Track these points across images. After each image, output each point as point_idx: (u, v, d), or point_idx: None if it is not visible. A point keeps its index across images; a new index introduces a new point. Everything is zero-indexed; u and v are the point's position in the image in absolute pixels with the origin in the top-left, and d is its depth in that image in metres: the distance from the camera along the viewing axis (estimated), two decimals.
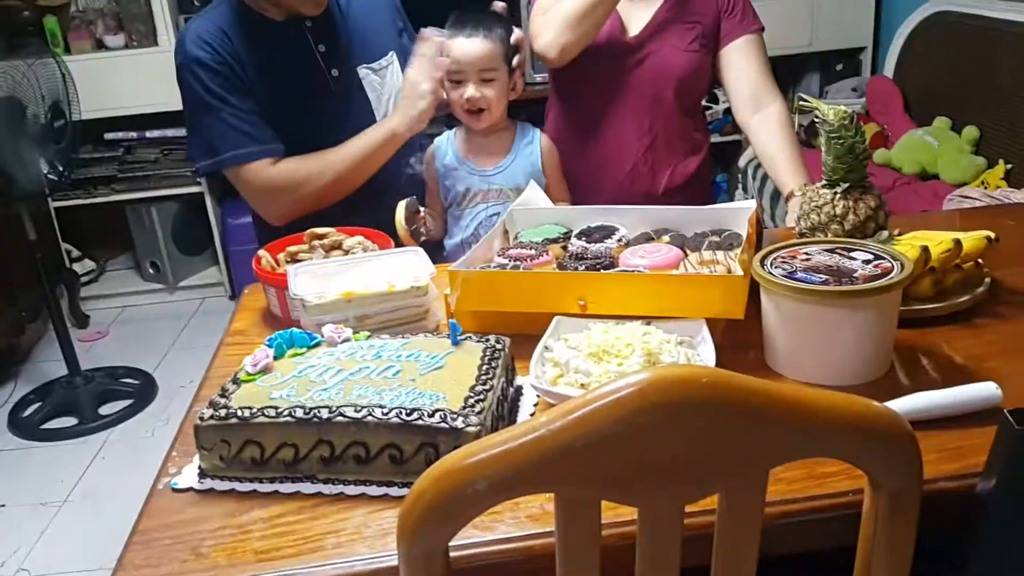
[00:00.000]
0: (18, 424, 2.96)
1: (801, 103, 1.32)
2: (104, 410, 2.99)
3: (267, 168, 1.63)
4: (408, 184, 1.76)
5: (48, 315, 3.08)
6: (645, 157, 1.77)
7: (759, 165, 3.33)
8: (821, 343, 1.02)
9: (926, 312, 1.15)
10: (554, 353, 1.07)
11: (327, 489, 0.93)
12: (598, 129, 1.78)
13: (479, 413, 0.91)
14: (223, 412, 0.94)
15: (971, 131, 2.93)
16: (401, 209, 1.55)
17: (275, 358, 1.05)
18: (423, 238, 1.59)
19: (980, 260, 1.24)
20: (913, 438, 0.62)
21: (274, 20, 1.65)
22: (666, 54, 1.72)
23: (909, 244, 1.16)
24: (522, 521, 0.85)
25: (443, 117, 1.76)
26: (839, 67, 3.88)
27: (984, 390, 0.94)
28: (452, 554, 0.67)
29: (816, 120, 1.24)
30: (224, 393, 0.99)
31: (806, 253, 1.08)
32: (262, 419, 0.93)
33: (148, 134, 3.68)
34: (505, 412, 1.01)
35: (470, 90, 1.62)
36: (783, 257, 1.08)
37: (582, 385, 1.01)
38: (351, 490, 0.92)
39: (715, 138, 3.48)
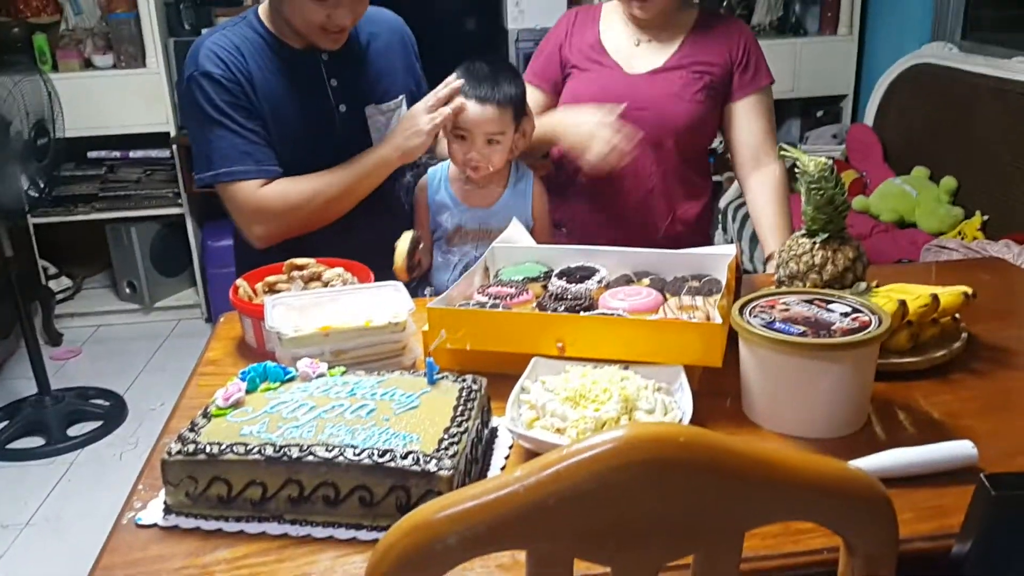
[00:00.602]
0: None
1: (783, 152, 1.33)
2: (73, 431, 2.94)
3: (258, 189, 1.61)
4: (398, 206, 1.76)
5: (21, 332, 3.03)
6: (644, 203, 1.77)
7: (739, 207, 3.36)
8: (798, 395, 1.02)
9: (903, 366, 1.15)
10: (531, 395, 1.06)
11: (294, 531, 0.91)
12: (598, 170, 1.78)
13: (452, 456, 0.89)
14: (191, 447, 0.92)
15: (949, 181, 2.97)
16: (405, 242, 1.54)
17: (248, 392, 1.04)
18: (417, 275, 1.58)
19: (957, 315, 1.25)
20: (890, 504, 0.62)
21: (292, 47, 1.65)
22: (669, 103, 1.72)
23: (887, 297, 1.17)
24: (492, 571, 0.83)
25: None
26: (820, 114, 3.94)
27: (960, 449, 0.94)
28: None
29: (796, 170, 1.25)
30: (193, 427, 0.97)
31: (784, 303, 1.09)
32: (231, 456, 0.91)
33: (132, 154, 3.66)
34: (479, 455, 1.00)
35: (473, 153, 1.61)
36: (762, 306, 1.08)
37: (558, 429, 1.00)
38: (319, 532, 0.90)
39: None
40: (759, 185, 1.75)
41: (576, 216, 1.81)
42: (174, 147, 3.54)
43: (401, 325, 1.23)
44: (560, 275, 1.38)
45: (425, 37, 1.92)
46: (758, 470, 0.57)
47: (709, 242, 1.90)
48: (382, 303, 1.29)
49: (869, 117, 3.59)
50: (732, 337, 1.08)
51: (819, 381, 1.00)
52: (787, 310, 1.06)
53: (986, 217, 2.79)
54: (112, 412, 3.05)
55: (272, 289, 1.43)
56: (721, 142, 1.94)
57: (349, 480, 0.89)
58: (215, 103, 1.58)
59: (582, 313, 1.21)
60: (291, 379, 1.08)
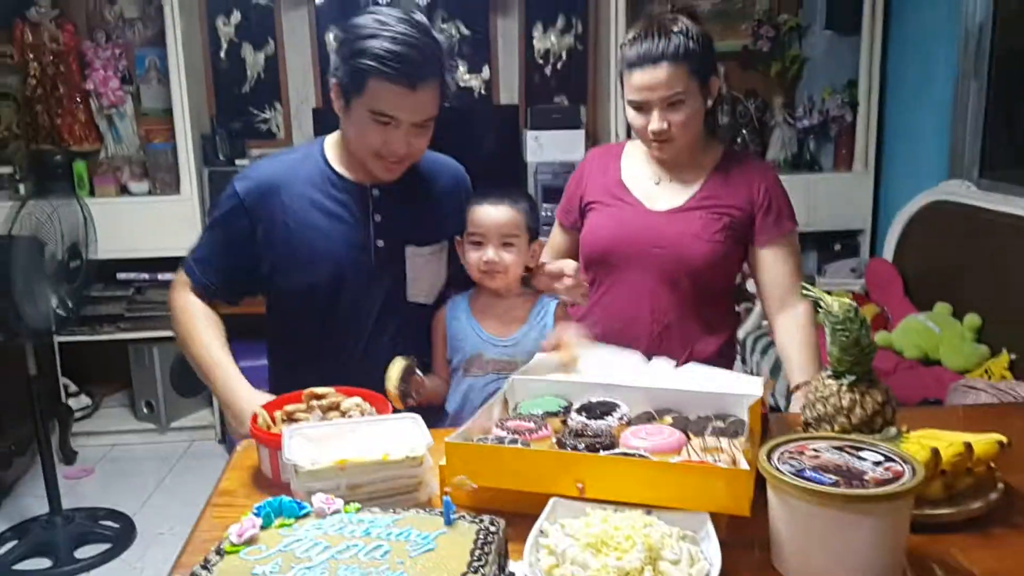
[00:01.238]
0: None
1: (805, 291, 1.32)
2: (80, 553, 2.89)
3: (185, 287, 1.75)
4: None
5: (36, 449, 3.02)
6: (660, 338, 1.76)
7: (758, 338, 3.35)
8: (830, 547, 0.98)
9: (938, 518, 1.11)
10: (550, 540, 1.03)
11: None
12: (614, 304, 1.78)
13: None
14: None
15: (973, 319, 2.95)
16: (396, 368, 1.53)
17: (262, 527, 1.01)
18: (411, 402, 1.54)
19: (992, 464, 1.21)
20: None
21: (346, 178, 1.70)
22: (685, 243, 1.72)
23: (918, 443, 1.14)
24: None
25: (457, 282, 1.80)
26: (837, 247, 3.97)
27: None
28: None
29: (820, 309, 1.25)
30: (206, 565, 0.94)
31: (814, 449, 1.06)
32: None
33: (160, 276, 3.73)
34: None
35: (489, 252, 1.66)
36: (791, 452, 1.06)
37: None
38: None
39: None
40: (786, 325, 1.76)
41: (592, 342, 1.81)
42: (186, 255, 3.61)
43: (419, 460, 1.21)
44: (580, 410, 1.36)
45: None
46: None
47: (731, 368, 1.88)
48: (400, 435, 1.27)
49: (888, 251, 3.61)
50: (759, 481, 1.05)
51: (852, 534, 0.96)
52: (817, 456, 1.04)
53: (1013, 356, 2.75)
54: (121, 535, 3.01)
55: (291, 418, 1.42)
56: (743, 279, 1.95)
57: None
58: (223, 213, 1.72)
59: (602, 452, 1.19)
60: (306, 515, 1.05)
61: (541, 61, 4.06)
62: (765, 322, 3.14)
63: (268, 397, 1.55)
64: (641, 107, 1.69)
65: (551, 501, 1.11)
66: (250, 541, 0.99)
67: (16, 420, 3.26)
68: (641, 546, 0.96)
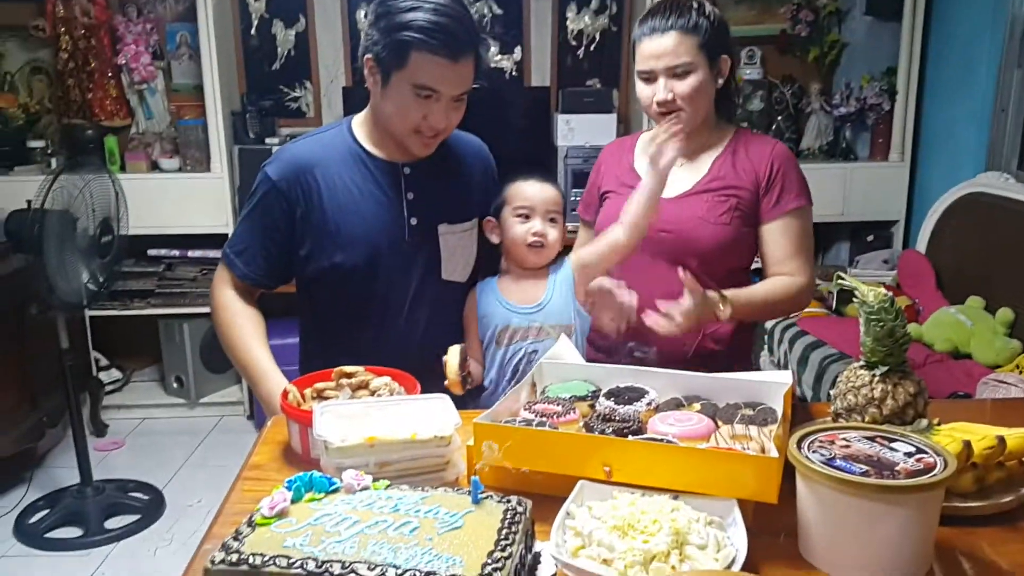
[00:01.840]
0: (24, 531, 2.92)
1: (840, 281, 1.31)
2: (110, 523, 2.95)
3: (226, 283, 1.77)
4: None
5: (68, 421, 3.07)
6: None
7: (786, 328, 3.33)
8: (859, 537, 0.97)
9: (968, 511, 1.11)
10: (576, 521, 1.04)
11: None
12: (630, 287, 1.79)
13: None
14: (235, 557, 0.91)
15: (1005, 313, 2.91)
16: (455, 356, 1.56)
17: (293, 501, 1.03)
18: (468, 386, 1.60)
19: None
20: None
21: (377, 157, 1.71)
22: (692, 227, 1.72)
23: (950, 436, 1.13)
24: None
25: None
26: (870, 238, 3.92)
27: None
28: None
29: (855, 300, 1.24)
30: (238, 536, 0.96)
31: (845, 439, 1.05)
32: (273, 568, 0.90)
33: (190, 253, 3.78)
34: None
35: (538, 224, 1.72)
36: (821, 441, 1.05)
37: (604, 560, 0.97)
38: None
39: None
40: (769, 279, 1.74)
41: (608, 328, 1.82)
42: (224, 247, 3.65)
43: (447, 439, 1.22)
44: (608, 395, 1.36)
45: None
46: None
47: (749, 362, 1.88)
48: (428, 415, 1.28)
49: (921, 244, 3.57)
50: (787, 471, 1.05)
51: (882, 524, 0.96)
52: (848, 446, 1.03)
53: None
54: (150, 506, 3.05)
55: (321, 395, 1.44)
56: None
57: None
58: (258, 200, 1.71)
59: (630, 437, 1.19)
60: (336, 490, 1.07)
61: (574, 43, 4.03)
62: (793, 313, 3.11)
63: None
64: (648, 77, 1.71)
65: (579, 484, 1.11)
66: (281, 514, 1.00)
67: (48, 392, 3.32)
68: (668, 530, 0.96)
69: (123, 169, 3.72)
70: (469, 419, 1.23)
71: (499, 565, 0.90)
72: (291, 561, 0.90)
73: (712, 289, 1.62)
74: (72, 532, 2.91)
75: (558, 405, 1.31)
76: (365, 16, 3.76)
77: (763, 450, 1.11)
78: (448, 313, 1.76)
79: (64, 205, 2.76)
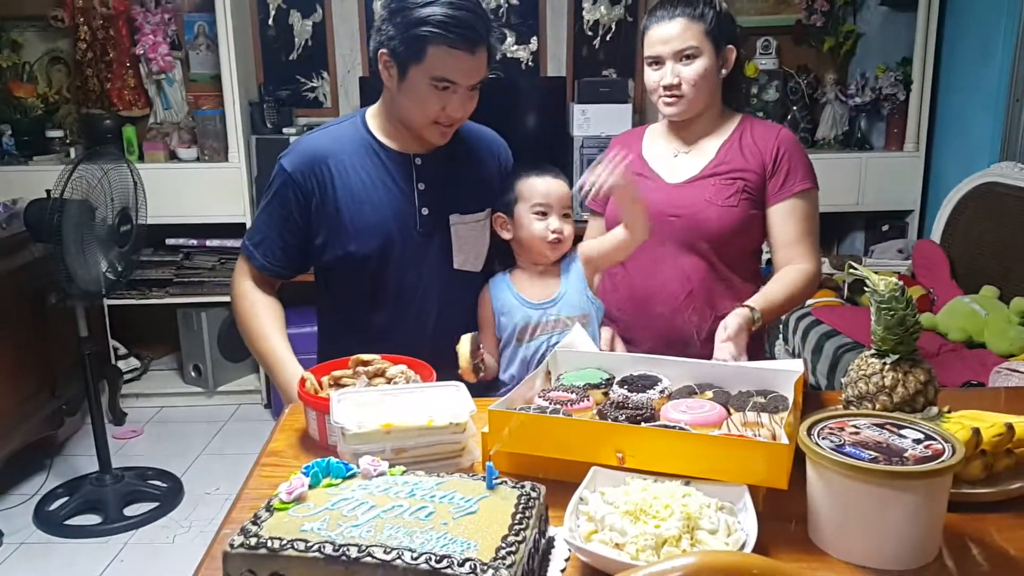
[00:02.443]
0: (43, 518, 2.96)
1: (851, 270, 1.32)
2: (129, 511, 2.99)
3: (245, 274, 1.79)
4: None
5: (87, 410, 3.11)
6: (684, 305, 1.78)
7: (801, 317, 3.33)
8: (868, 523, 0.98)
9: (976, 496, 1.11)
10: (589, 507, 1.05)
11: None
12: (639, 274, 1.82)
13: (510, 567, 0.88)
14: (253, 541, 0.93)
15: (1020, 302, 2.90)
16: (466, 344, 1.58)
17: (310, 487, 1.05)
18: (481, 374, 1.61)
19: None
20: None
21: (390, 148, 1.73)
22: (700, 208, 1.75)
23: (959, 423, 1.14)
24: None
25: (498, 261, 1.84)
26: (885, 228, 3.92)
27: None
28: None
29: (866, 288, 1.24)
30: (256, 520, 0.98)
31: (855, 426, 1.06)
32: (291, 552, 0.92)
33: (208, 242, 3.81)
34: (536, 565, 0.99)
35: (556, 222, 1.73)
36: (831, 428, 1.06)
37: (617, 544, 0.98)
38: None
39: None
40: (781, 272, 1.76)
41: (623, 307, 1.85)
42: (243, 238, 3.68)
43: (462, 426, 1.24)
44: (622, 383, 1.38)
45: None
46: None
47: (762, 347, 1.89)
48: (443, 403, 1.30)
49: (936, 233, 3.56)
50: (797, 458, 1.06)
51: (890, 510, 0.97)
52: (857, 433, 1.04)
53: None
54: (168, 494, 3.09)
55: (337, 383, 1.46)
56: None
57: None
58: (275, 192, 1.73)
59: (643, 424, 1.20)
60: (352, 476, 1.09)
61: (590, 33, 4.03)
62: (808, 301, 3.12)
63: None
64: (655, 62, 1.76)
65: (592, 470, 1.12)
66: (299, 499, 1.02)
67: (67, 381, 3.37)
68: (679, 515, 0.98)
69: (141, 159, 3.75)
70: (484, 406, 1.25)
71: (513, 549, 0.91)
72: (309, 545, 0.92)
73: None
74: (91, 519, 2.96)
75: (572, 393, 1.32)
76: (381, 8, 3.78)
77: (774, 437, 1.13)
78: (461, 302, 1.78)
79: (83, 194, 2.79)
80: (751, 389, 1.32)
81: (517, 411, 1.25)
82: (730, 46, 1.77)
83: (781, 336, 3.48)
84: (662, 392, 1.33)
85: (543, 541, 1.03)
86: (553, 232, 1.72)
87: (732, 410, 1.25)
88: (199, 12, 3.87)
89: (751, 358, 1.55)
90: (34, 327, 3.24)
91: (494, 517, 0.98)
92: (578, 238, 2.08)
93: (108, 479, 3.05)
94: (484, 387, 1.70)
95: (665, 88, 1.75)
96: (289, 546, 0.92)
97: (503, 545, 0.92)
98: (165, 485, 3.15)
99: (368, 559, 0.90)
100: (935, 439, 1.03)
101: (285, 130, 3.75)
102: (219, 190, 3.69)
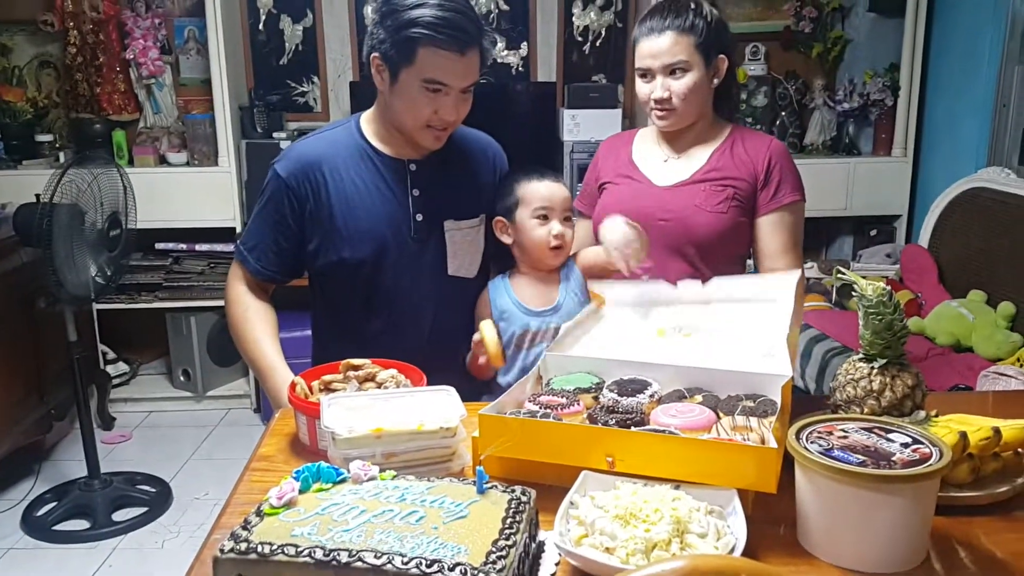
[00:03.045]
0: (31, 523, 2.94)
1: (839, 275, 1.33)
2: (118, 516, 2.97)
3: (239, 278, 1.79)
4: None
5: (76, 414, 3.10)
6: None
7: None
8: (856, 526, 0.99)
9: (964, 500, 1.12)
10: (580, 511, 1.06)
11: None
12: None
13: (500, 571, 0.88)
14: (244, 546, 0.93)
15: (1007, 307, 2.92)
16: (492, 329, 1.58)
17: (301, 491, 1.05)
18: (505, 361, 1.62)
19: (1020, 450, 1.21)
20: None
21: (384, 154, 1.73)
22: (689, 214, 1.77)
23: (947, 427, 1.14)
24: None
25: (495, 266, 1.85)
26: (873, 232, 3.94)
27: None
28: None
29: (854, 293, 1.25)
30: (246, 525, 0.98)
31: (843, 430, 1.07)
32: (281, 557, 0.92)
33: (197, 247, 3.80)
34: (526, 570, 0.99)
35: (558, 226, 1.73)
36: (819, 432, 1.07)
37: (607, 548, 0.99)
38: None
39: None
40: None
41: None
42: (237, 243, 3.67)
43: (452, 431, 1.24)
44: (611, 387, 1.38)
45: None
46: None
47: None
48: (434, 407, 1.30)
49: (924, 238, 3.58)
50: (786, 462, 1.07)
51: (878, 513, 0.98)
52: (845, 437, 1.05)
53: None
54: (157, 499, 3.08)
55: (328, 388, 1.46)
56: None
57: None
58: (268, 197, 1.73)
59: (633, 428, 1.21)
60: (343, 481, 1.08)
61: (580, 38, 4.05)
62: None
63: None
64: (646, 74, 1.77)
65: (582, 474, 1.13)
66: (289, 504, 1.02)
67: (56, 385, 3.35)
68: (669, 519, 0.98)
69: (131, 163, 3.74)
70: (474, 411, 1.25)
71: (503, 553, 0.92)
72: (299, 550, 0.92)
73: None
74: (79, 524, 2.94)
75: (562, 397, 1.33)
76: (372, 12, 3.79)
77: (763, 441, 1.13)
78: (455, 308, 1.78)
79: (73, 199, 2.78)
80: (740, 393, 1.33)
81: (507, 415, 1.25)
82: (721, 56, 1.77)
83: None
84: (652, 396, 1.34)
85: (533, 545, 1.03)
86: (555, 236, 1.72)
87: (721, 414, 1.25)
88: (189, 17, 3.87)
89: None
90: (23, 332, 3.22)
91: (484, 521, 0.98)
92: None
93: (97, 484, 3.03)
94: (476, 391, 1.70)
95: (656, 101, 1.76)
96: (279, 551, 0.92)
97: (493, 549, 0.92)
98: (154, 490, 3.13)
99: (359, 564, 0.90)
100: (923, 443, 1.04)
101: (275, 135, 3.75)
102: (209, 194, 3.68)
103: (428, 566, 0.89)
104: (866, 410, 1.22)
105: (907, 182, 3.85)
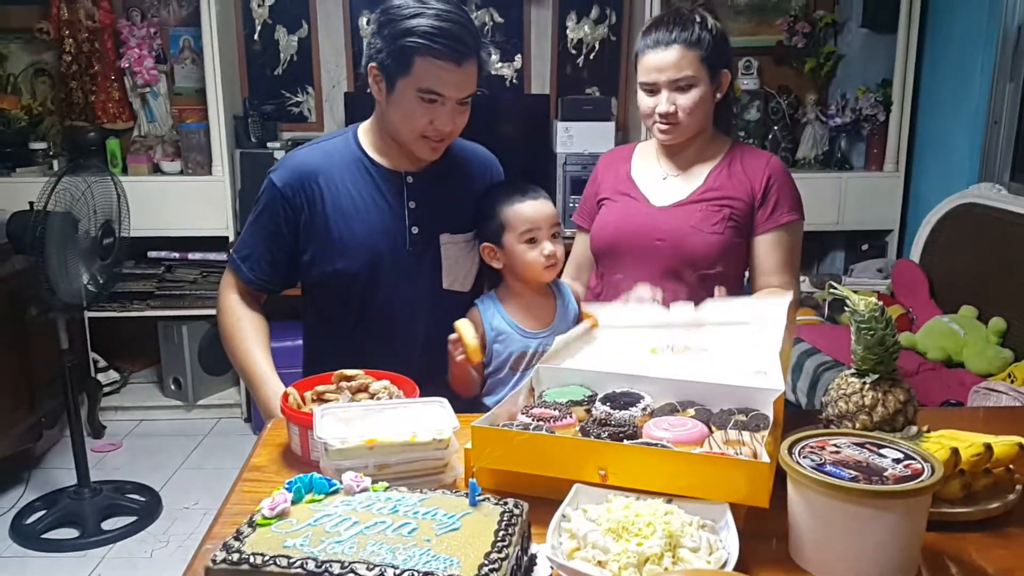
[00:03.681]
0: (20, 531, 2.92)
1: (832, 290, 1.34)
2: (107, 524, 2.96)
3: (232, 287, 1.79)
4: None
5: (66, 422, 3.09)
6: None
7: None
8: (848, 541, 0.99)
9: (955, 516, 1.13)
10: (572, 524, 1.06)
11: None
12: (620, 296, 1.81)
13: None
14: (236, 556, 0.93)
15: (998, 322, 2.93)
16: (467, 325, 1.58)
17: (293, 502, 1.05)
18: (484, 356, 1.62)
19: (1011, 466, 1.22)
20: None
21: (381, 165, 1.73)
22: (685, 235, 1.75)
23: (938, 443, 1.15)
24: None
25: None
26: (864, 247, 3.95)
27: None
28: None
29: (846, 308, 1.26)
30: (239, 535, 0.98)
31: (835, 445, 1.08)
32: (273, 568, 0.91)
33: (190, 255, 3.79)
34: None
35: (548, 246, 1.70)
36: (812, 447, 1.07)
37: (599, 562, 0.99)
38: None
39: None
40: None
41: None
42: (231, 251, 3.67)
43: (445, 442, 1.24)
44: (604, 400, 1.38)
45: None
46: None
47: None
48: (427, 418, 1.30)
49: (915, 253, 3.60)
50: (778, 477, 1.07)
51: (870, 528, 0.98)
52: (838, 452, 1.05)
53: None
54: (147, 508, 3.06)
55: (320, 398, 1.46)
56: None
57: None
58: (264, 206, 1.73)
59: (626, 441, 1.21)
60: (335, 492, 1.08)
61: (574, 51, 4.07)
62: None
63: None
64: (651, 89, 1.75)
65: (574, 487, 1.13)
66: (281, 515, 1.02)
67: (47, 393, 3.33)
68: (661, 533, 0.98)
69: (125, 172, 3.73)
70: (467, 423, 1.25)
71: (496, 566, 0.92)
72: (291, 561, 0.92)
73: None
74: (69, 533, 2.92)
75: (555, 409, 1.33)
76: (367, 23, 3.80)
77: (755, 455, 1.13)
78: (450, 321, 1.75)
79: (66, 207, 2.78)
80: (732, 407, 1.33)
81: (500, 427, 1.25)
82: (725, 70, 1.77)
83: None
84: (644, 410, 1.34)
85: (525, 558, 1.03)
86: (547, 256, 1.69)
87: (714, 428, 1.26)
88: (185, 26, 3.87)
89: None
90: (14, 339, 3.21)
91: (477, 534, 0.98)
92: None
93: (86, 492, 3.01)
94: (469, 403, 1.70)
95: (661, 115, 1.74)
96: (271, 562, 0.92)
97: (486, 562, 0.92)
98: (143, 499, 3.12)
99: (351, 575, 0.90)
100: (914, 458, 1.04)
101: (269, 144, 3.75)
102: (202, 203, 3.68)
103: None
104: (858, 425, 1.22)
105: (899, 197, 3.86)
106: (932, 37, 3.72)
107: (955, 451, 1.12)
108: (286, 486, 1.06)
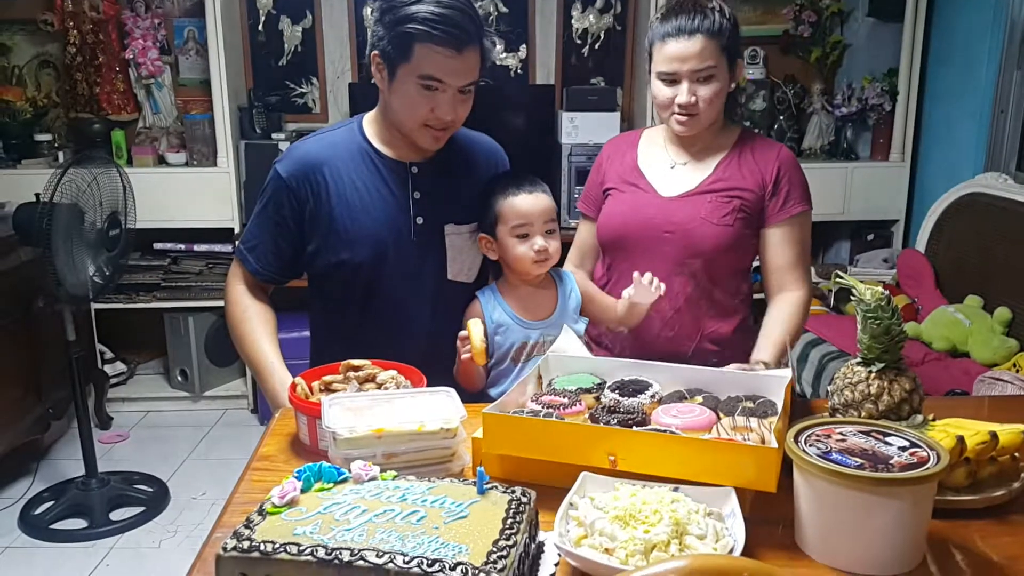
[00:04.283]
0: (29, 522, 2.94)
1: (839, 280, 1.34)
2: (115, 515, 2.98)
3: (239, 278, 1.79)
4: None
5: (73, 414, 3.10)
6: (673, 321, 1.79)
7: None
8: (853, 529, 1.00)
9: (960, 503, 1.13)
10: (579, 512, 1.06)
11: None
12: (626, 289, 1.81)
13: (501, 571, 0.89)
14: (246, 544, 0.94)
15: (1003, 312, 2.93)
16: (478, 326, 1.58)
17: (302, 491, 1.05)
18: (490, 359, 1.61)
19: (1016, 454, 1.22)
20: None
21: (386, 156, 1.72)
22: (696, 227, 1.74)
23: (944, 431, 1.15)
24: None
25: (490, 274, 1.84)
26: (870, 237, 3.95)
27: None
28: None
29: (852, 297, 1.26)
30: (249, 524, 0.98)
31: (841, 433, 1.08)
32: (283, 555, 0.92)
33: (196, 247, 3.80)
34: (526, 570, 0.99)
35: (540, 241, 1.67)
36: (818, 435, 1.08)
37: (606, 549, 0.99)
38: None
39: None
40: (778, 306, 1.76)
41: (604, 330, 1.86)
42: (237, 243, 3.67)
43: (453, 431, 1.25)
44: (613, 387, 1.39)
45: None
46: None
47: (748, 362, 1.89)
48: (435, 408, 1.30)
49: (921, 243, 3.59)
50: (784, 464, 1.08)
51: (875, 516, 0.99)
52: (844, 440, 1.06)
53: None
54: (155, 499, 3.08)
55: (328, 388, 1.46)
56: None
57: None
58: (269, 197, 1.73)
59: (634, 428, 1.22)
60: (344, 480, 1.09)
61: (579, 41, 4.06)
62: None
63: None
64: (671, 79, 1.70)
65: (581, 475, 1.13)
66: (291, 503, 1.02)
67: (54, 384, 3.35)
68: (668, 520, 0.99)
69: (130, 163, 3.74)
70: (475, 412, 1.26)
71: (504, 553, 0.92)
72: (301, 548, 0.92)
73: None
74: (77, 524, 2.94)
75: (564, 397, 1.33)
76: (371, 13, 3.79)
77: (763, 441, 1.14)
78: (454, 312, 1.76)
79: (72, 199, 2.79)
80: (740, 394, 1.34)
81: (510, 414, 1.26)
82: (739, 60, 1.75)
83: None
84: (653, 397, 1.34)
85: (533, 546, 1.04)
86: (537, 251, 1.67)
87: (721, 415, 1.26)
88: (189, 17, 3.87)
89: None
90: (21, 331, 3.22)
91: (485, 522, 0.98)
92: (566, 244, 2.08)
93: (94, 483, 3.03)
94: (473, 396, 1.70)
95: (680, 106, 1.70)
96: (282, 550, 0.92)
97: (494, 549, 0.93)
98: (151, 490, 3.13)
99: (361, 563, 0.90)
100: (920, 447, 1.05)
101: (274, 135, 3.75)
102: (207, 195, 3.68)
103: (429, 565, 0.89)
104: (864, 414, 1.23)
105: (905, 187, 3.86)
106: (938, 26, 3.71)
107: (960, 439, 1.12)
108: (295, 475, 1.07)
